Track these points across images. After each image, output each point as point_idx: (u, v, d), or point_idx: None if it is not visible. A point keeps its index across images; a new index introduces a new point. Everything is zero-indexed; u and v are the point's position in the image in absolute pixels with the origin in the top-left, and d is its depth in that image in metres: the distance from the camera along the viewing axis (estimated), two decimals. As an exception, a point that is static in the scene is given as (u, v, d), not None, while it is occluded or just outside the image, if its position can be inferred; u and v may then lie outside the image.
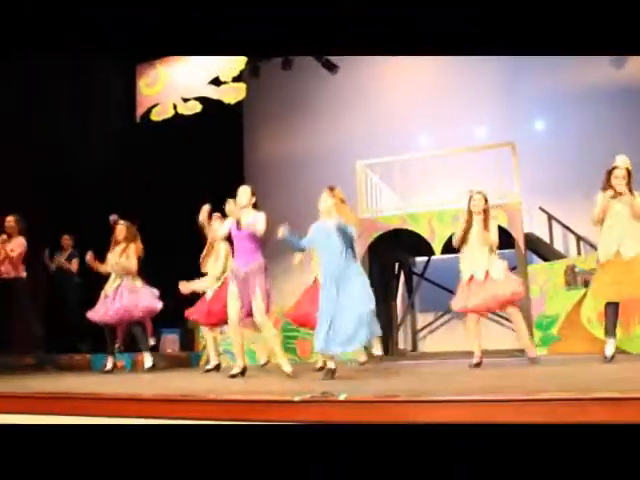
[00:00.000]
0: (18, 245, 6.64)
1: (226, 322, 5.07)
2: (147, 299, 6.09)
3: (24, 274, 6.72)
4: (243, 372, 4.79)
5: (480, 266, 4.94)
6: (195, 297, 6.11)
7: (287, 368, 4.60)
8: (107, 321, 6.02)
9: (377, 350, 5.68)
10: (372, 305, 4.15)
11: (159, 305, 6.18)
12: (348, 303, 4.12)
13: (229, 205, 4.91)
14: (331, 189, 4.46)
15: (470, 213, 5.09)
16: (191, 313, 6.04)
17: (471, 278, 4.96)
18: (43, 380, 5.22)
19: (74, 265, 8.01)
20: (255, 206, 4.85)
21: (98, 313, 6.03)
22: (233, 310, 4.72)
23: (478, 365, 4.98)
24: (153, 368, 6.07)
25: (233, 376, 4.70)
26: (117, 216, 6.24)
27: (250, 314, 4.72)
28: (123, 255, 6.09)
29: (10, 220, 6.69)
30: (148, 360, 6.10)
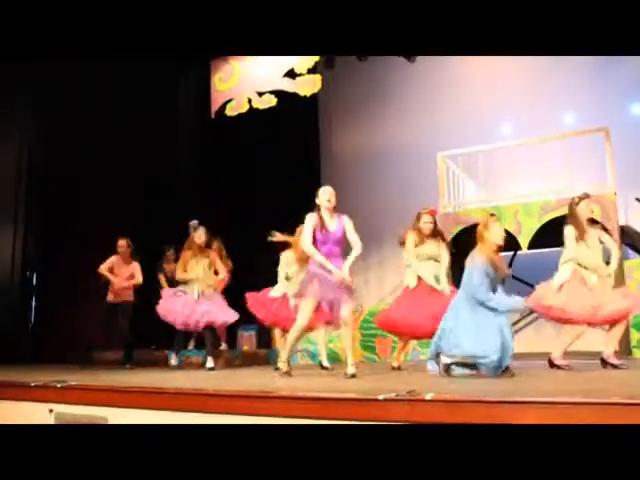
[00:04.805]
0: (137, 272, 6.74)
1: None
2: (225, 311, 6.06)
3: (132, 298, 6.82)
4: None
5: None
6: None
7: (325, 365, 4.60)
8: (184, 327, 5.99)
9: None
10: None
11: (234, 317, 6.16)
12: None
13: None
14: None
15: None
16: None
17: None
18: (133, 375, 5.38)
19: None
20: (334, 208, 4.59)
21: (175, 315, 5.95)
22: (308, 311, 4.53)
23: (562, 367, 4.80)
24: (212, 370, 5.94)
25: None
26: (197, 222, 6.12)
27: (329, 318, 4.56)
28: (210, 264, 6.04)
29: (122, 244, 6.74)
30: (210, 362, 5.96)
